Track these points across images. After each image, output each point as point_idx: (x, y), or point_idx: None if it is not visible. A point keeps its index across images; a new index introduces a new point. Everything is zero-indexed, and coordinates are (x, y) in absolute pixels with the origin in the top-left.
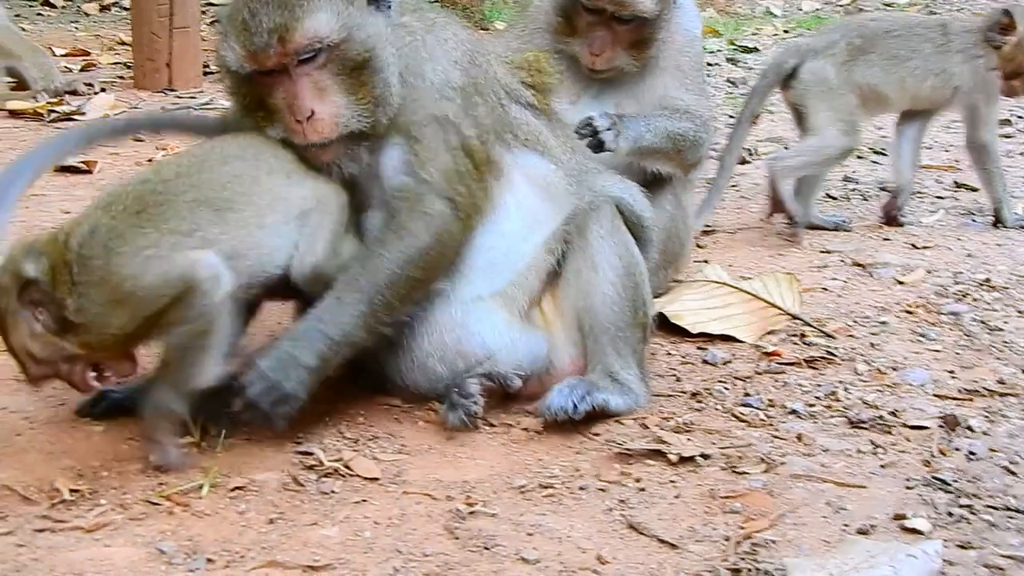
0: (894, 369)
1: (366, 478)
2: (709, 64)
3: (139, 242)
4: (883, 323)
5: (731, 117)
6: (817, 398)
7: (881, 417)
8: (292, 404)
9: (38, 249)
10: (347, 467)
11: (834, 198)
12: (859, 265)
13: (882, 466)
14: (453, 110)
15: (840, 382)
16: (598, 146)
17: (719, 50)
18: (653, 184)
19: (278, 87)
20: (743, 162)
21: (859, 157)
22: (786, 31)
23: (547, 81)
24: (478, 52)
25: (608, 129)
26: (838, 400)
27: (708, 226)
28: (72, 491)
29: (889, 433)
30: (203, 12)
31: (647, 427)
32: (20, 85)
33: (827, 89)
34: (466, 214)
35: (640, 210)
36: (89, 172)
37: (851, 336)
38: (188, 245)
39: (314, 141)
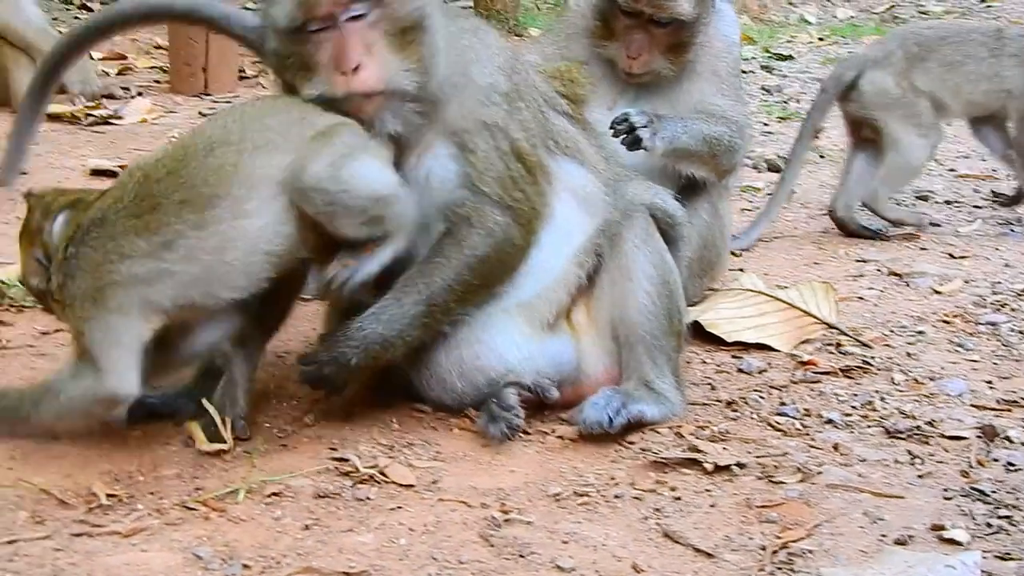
0: (931, 379)
1: (401, 485)
2: (744, 71)
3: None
4: (920, 333)
5: (765, 124)
6: (854, 408)
7: (918, 427)
8: (354, 377)
9: (58, 206)
10: (382, 474)
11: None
12: (896, 275)
13: (920, 476)
14: (501, 115)
15: (877, 392)
16: (634, 143)
17: (754, 57)
18: (689, 192)
19: (324, 43)
20: (776, 169)
21: None
22: (821, 39)
23: (579, 92)
24: (517, 60)
25: (645, 126)
26: (875, 410)
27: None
28: (109, 496)
29: (927, 443)
30: None
31: (682, 436)
32: (58, 88)
33: (891, 100)
34: (526, 220)
35: (672, 211)
36: None
37: (888, 346)
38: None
39: (357, 90)
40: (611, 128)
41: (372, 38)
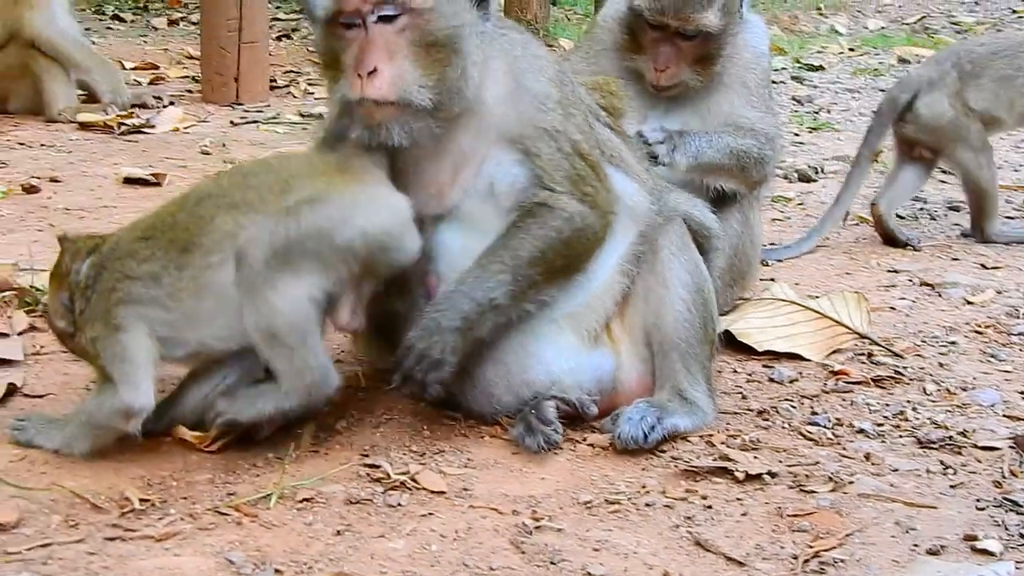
0: (963, 389)
1: (432, 491)
2: (774, 82)
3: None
4: (952, 343)
5: (796, 135)
6: (885, 417)
7: (951, 438)
8: (444, 370)
9: (87, 250)
10: (414, 480)
11: (902, 217)
12: (927, 285)
13: (952, 487)
14: (558, 120)
15: (909, 402)
16: (651, 159)
17: (784, 68)
18: (720, 202)
19: (352, 42)
20: (808, 180)
21: None
22: (851, 49)
23: (618, 105)
24: (564, 72)
25: (660, 143)
26: (907, 420)
27: (773, 244)
28: (142, 500)
29: (959, 454)
30: (270, 27)
31: (713, 444)
32: (90, 98)
33: (946, 122)
34: (602, 211)
35: (708, 223)
36: (158, 184)
37: (920, 356)
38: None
39: (369, 96)
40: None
41: (397, 45)
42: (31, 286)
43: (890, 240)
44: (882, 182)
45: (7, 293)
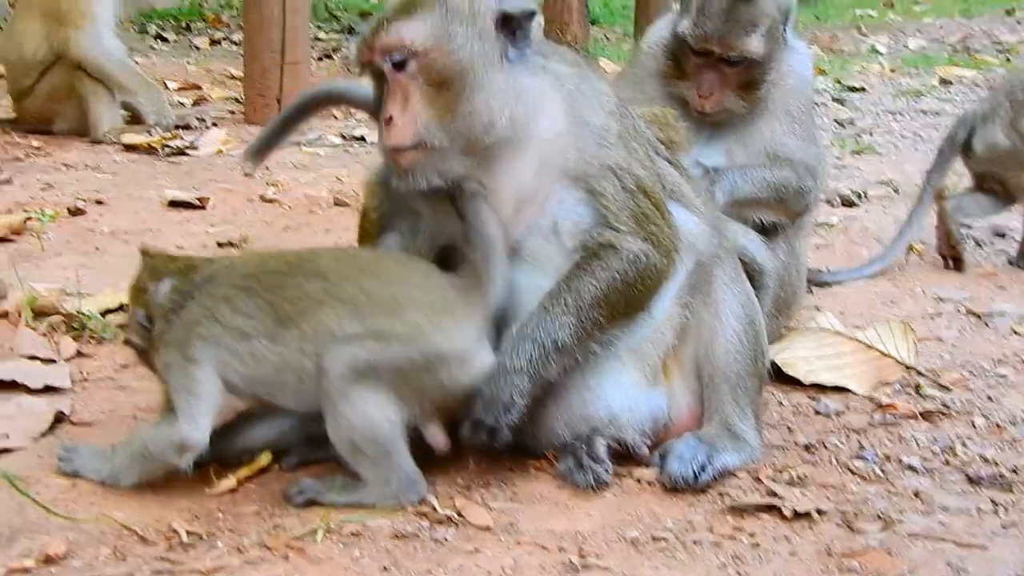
0: (1013, 424)
1: (479, 526)
2: (816, 104)
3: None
4: (1001, 376)
5: (838, 158)
6: (934, 453)
7: (1001, 474)
8: (513, 413)
9: (167, 271)
10: (460, 515)
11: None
12: (974, 314)
13: (1003, 526)
14: (621, 156)
15: (957, 437)
16: None
17: (825, 89)
18: (766, 232)
19: (381, 90)
20: (851, 205)
21: None
22: (892, 70)
23: (676, 138)
24: (625, 106)
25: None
26: (956, 456)
27: (821, 270)
28: (189, 533)
29: (1010, 491)
30: (311, 47)
31: (760, 480)
32: (134, 118)
33: (1003, 152)
34: (666, 249)
35: (760, 258)
36: (202, 207)
37: (967, 389)
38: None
39: (389, 144)
40: None
41: (411, 89)
42: (78, 311)
43: (945, 240)
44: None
45: (54, 318)
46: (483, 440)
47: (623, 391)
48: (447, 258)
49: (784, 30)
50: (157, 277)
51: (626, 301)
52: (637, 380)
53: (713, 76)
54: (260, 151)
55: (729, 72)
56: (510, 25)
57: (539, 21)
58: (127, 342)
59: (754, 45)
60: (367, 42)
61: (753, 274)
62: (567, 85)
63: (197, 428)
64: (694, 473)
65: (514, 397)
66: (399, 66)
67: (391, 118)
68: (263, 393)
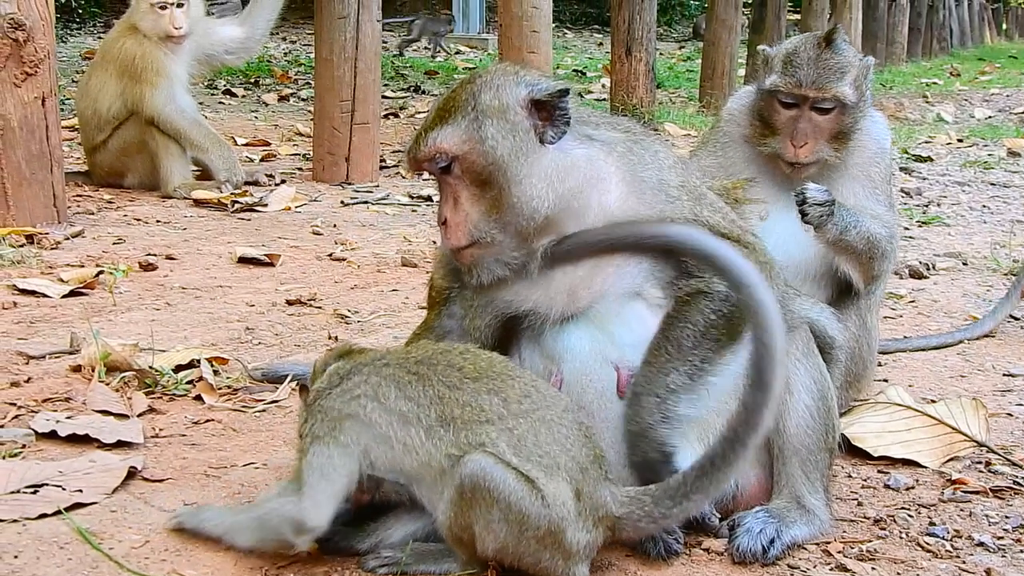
0: None
1: None
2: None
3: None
4: None
5: (906, 228)
6: (1005, 531)
7: None
8: (667, 463)
9: (336, 364)
10: None
11: (1016, 318)
12: None
13: None
14: (687, 207)
15: None
16: (801, 216)
17: (893, 158)
18: (838, 304)
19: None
20: (919, 276)
21: None
22: (960, 140)
23: (741, 198)
24: (688, 167)
25: (819, 204)
26: None
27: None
28: None
29: None
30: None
31: (830, 553)
32: (204, 174)
33: None
34: None
35: (832, 332)
36: (272, 264)
37: None
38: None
39: (447, 247)
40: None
41: (460, 190)
42: (151, 367)
43: None
44: None
45: (127, 374)
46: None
47: (686, 463)
48: (510, 326)
49: (867, 88)
50: (326, 365)
51: (727, 333)
52: (699, 450)
53: (806, 125)
54: None
55: (821, 120)
56: (545, 109)
57: (573, 95)
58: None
59: (845, 90)
60: (411, 153)
61: (824, 347)
62: (618, 149)
63: (320, 512)
64: (763, 547)
65: (665, 449)
66: (445, 170)
67: (445, 220)
68: (388, 482)
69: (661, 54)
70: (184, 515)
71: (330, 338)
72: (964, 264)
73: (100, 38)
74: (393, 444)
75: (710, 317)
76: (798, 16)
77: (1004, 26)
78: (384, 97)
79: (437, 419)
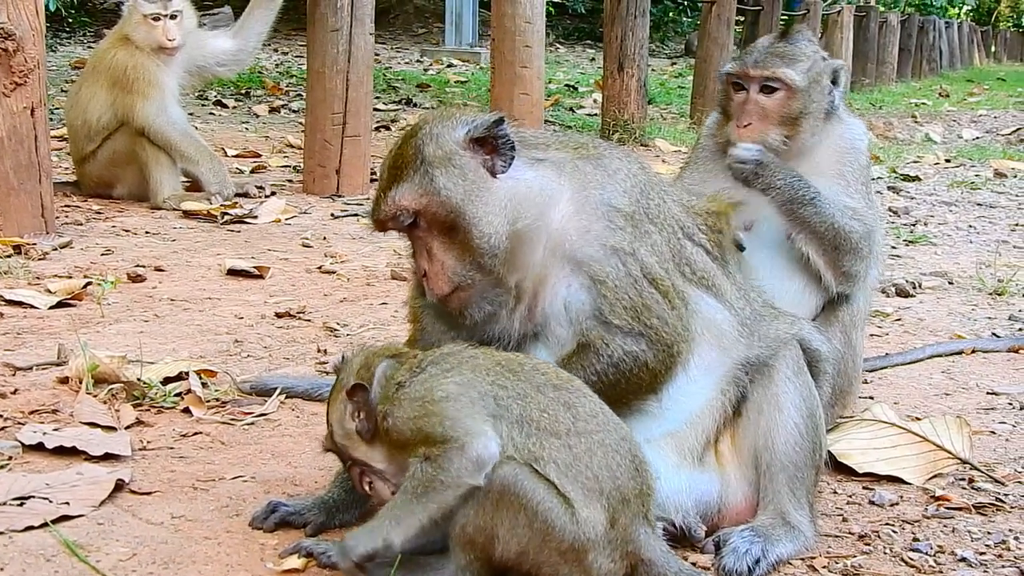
0: None
1: None
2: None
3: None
4: None
5: (893, 247)
6: (987, 546)
7: None
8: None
9: (387, 362)
10: None
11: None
12: None
13: None
14: (627, 239)
15: (1011, 531)
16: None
17: (880, 177)
18: (823, 321)
19: None
20: (905, 295)
21: None
22: (948, 160)
23: (722, 226)
24: (651, 185)
25: (742, 161)
26: (1009, 549)
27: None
28: None
29: None
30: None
31: (815, 568)
32: (193, 185)
33: None
34: (664, 344)
35: (816, 344)
36: (261, 277)
37: (1020, 483)
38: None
39: (434, 296)
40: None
41: (429, 242)
42: (139, 379)
43: None
44: None
45: (115, 386)
46: None
47: (663, 474)
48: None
49: (833, 90)
50: (371, 367)
51: (615, 394)
52: (677, 463)
53: (752, 106)
54: None
55: (766, 102)
56: (487, 143)
57: (507, 122)
58: (329, 442)
59: (790, 72)
60: (374, 216)
61: (811, 361)
62: (567, 168)
63: (489, 437)
64: (748, 568)
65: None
66: (412, 226)
67: (424, 271)
68: None
69: (653, 70)
70: (345, 554)
71: (319, 351)
72: (950, 283)
73: (90, 48)
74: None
75: (593, 378)
76: None
77: (993, 48)
78: (375, 110)
79: (518, 417)
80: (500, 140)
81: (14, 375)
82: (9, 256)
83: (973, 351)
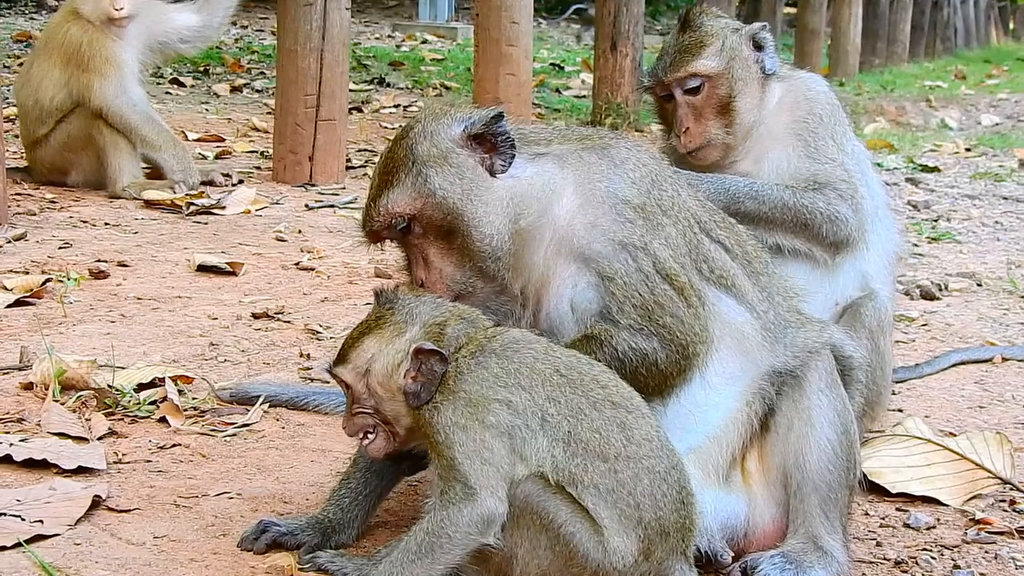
0: None
1: None
2: (888, 183)
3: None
4: None
5: (915, 245)
6: None
7: None
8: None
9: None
10: None
11: None
12: None
13: None
14: (637, 232)
15: None
16: None
17: (897, 168)
18: (846, 326)
19: None
20: (931, 298)
21: None
22: (968, 149)
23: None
24: (663, 176)
25: None
26: None
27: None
28: None
29: None
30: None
31: None
32: (154, 172)
33: None
34: (678, 346)
35: (848, 351)
36: (234, 274)
37: None
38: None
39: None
40: None
41: (426, 248)
42: (110, 386)
43: None
44: None
45: (84, 393)
46: None
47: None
48: None
49: (760, 55)
50: (444, 324)
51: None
52: (701, 481)
53: (684, 111)
54: None
55: (695, 101)
56: (485, 140)
57: (506, 117)
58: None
59: (700, 63)
60: (366, 227)
61: (843, 368)
62: (571, 159)
63: (500, 499)
64: None
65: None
66: (406, 232)
67: (422, 281)
68: None
69: (647, 48)
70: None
71: (301, 355)
72: (978, 285)
73: (32, 19)
74: (529, 442)
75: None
76: (795, 10)
77: (1011, 26)
78: (352, 90)
79: (565, 435)
80: (499, 137)
81: None
82: None
83: (1003, 359)
